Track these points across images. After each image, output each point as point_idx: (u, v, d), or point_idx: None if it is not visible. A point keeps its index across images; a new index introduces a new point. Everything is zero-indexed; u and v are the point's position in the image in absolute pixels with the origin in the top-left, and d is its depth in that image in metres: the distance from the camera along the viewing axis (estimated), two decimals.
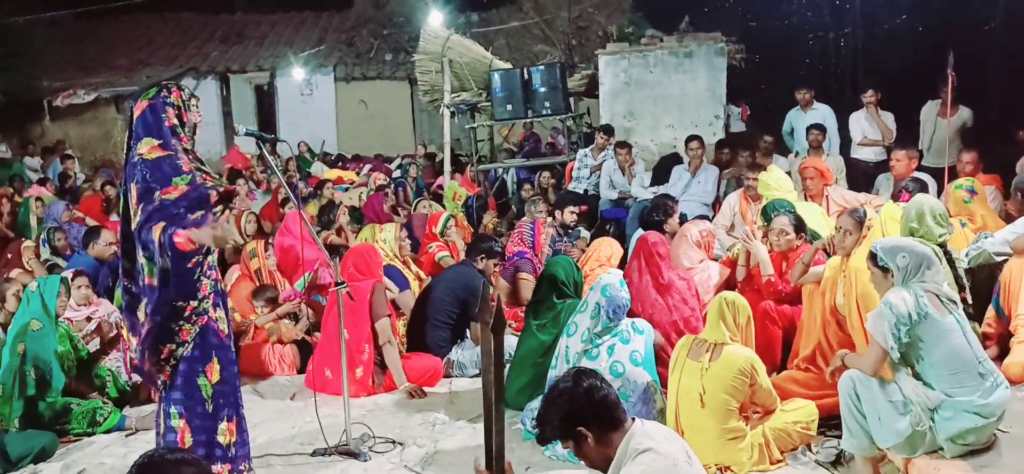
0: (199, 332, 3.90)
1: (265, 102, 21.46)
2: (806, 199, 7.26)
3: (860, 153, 9.54)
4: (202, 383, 3.94)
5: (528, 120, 12.52)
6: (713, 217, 8.10)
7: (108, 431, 5.30)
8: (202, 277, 3.89)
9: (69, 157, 15.05)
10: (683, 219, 7.37)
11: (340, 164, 17.40)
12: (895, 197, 6.33)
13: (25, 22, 17.04)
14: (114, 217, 9.91)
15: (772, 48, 15.91)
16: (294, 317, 6.88)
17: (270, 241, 7.67)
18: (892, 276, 3.91)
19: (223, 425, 4.00)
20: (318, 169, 15.85)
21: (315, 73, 20.65)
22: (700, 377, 4.20)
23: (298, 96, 20.77)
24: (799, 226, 5.79)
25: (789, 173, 7.86)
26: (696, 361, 4.26)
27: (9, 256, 8.19)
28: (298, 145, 17.02)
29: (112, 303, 6.62)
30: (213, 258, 4.00)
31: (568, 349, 4.70)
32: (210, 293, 3.93)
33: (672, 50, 11.40)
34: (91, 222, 9.91)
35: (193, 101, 4.01)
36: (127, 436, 5.26)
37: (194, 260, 3.81)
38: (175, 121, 3.92)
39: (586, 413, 2.80)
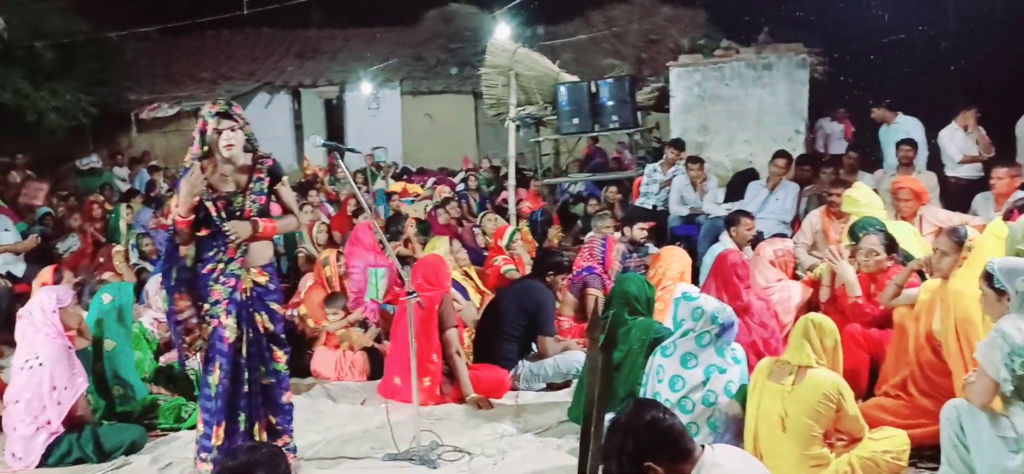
0: (211, 334, 4.29)
1: (334, 115, 21.70)
2: (897, 218, 6.85)
3: (958, 170, 9.04)
4: (210, 382, 4.31)
5: (594, 134, 12.32)
6: (792, 235, 7.79)
7: (192, 427, 5.31)
8: (214, 283, 4.26)
9: (157, 168, 15.38)
10: (759, 237, 7.15)
11: (405, 177, 17.49)
12: (1007, 216, 5.94)
13: (118, 37, 17.51)
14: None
15: (858, 59, 15.35)
16: (363, 324, 6.92)
17: (341, 251, 7.69)
18: (1008, 300, 3.62)
19: (210, 429, 4.34)
20: (383, 182, 15.97)
21: (383, 87, 20.82)
22: (782, 400, 3.96)
23: (365, 110, 20.96)
24: (890, 246, 5.45)
25: (876, 190, 7.50)
26: (778, 383, 4.02)
27: (102, 260, 8.64)
28: (366, 157, 17.15)
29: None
30: (233, 267, 4.28)
31: (661, 368, 4.46)
32: (223, 300, 4.25)
33: (749, 62, 10.98)
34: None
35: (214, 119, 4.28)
36: None
37: (209, 266, 4.26)
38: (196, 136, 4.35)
39: (654, 447, 2.65)
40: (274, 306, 4.47)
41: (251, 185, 4.35)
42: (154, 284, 6.77)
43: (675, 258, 7.01)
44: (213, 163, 4.32)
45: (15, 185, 12.42)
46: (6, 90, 14.74)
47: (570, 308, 6.98)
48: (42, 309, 4.96)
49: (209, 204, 4.27)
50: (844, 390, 3.96)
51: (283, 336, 4.54)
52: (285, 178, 4.55)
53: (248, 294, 4.35)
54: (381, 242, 8.03)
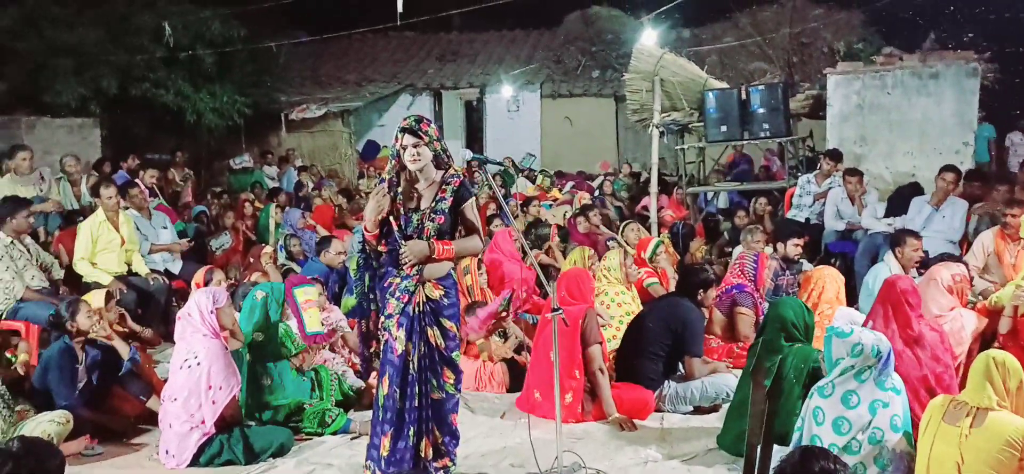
0: (384, 346, 4.42)
1: (474, 117, 21.98)
2: None
3: None
4: (380, 392, 4.43)
5: (743, 142, 11.97)
6: (960, 256, 7.31)
7: (335, 432, 5.47)
8: (390, 296, 4.37)
9: (305, 168, 15.82)
10: (925, 258, 6.73)
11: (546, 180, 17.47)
12: None
13: (276, 46, 18.37)
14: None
15: None
16: (503, 334, 6.86)
17: (481, 259, 7.70)
18: None
19: (379, 439, 4.44)
20: (522, 185, 15.96)
21: (522, 90, 20.91)
22: (958, 444, 3.65)
23: (505, 112, 21.10)
24: None
25: None
26: (953, 426, 3.71)
27: (251, 260, 8.81)
28: (504, 160, 17.24)
29: (340, 309, 6.88)
30: (408, 283, 4.35)
31: (820, 410, 4.19)
32: (396, 314, 4.35)
33: (914, 70, 10.49)
34: (322, 231, 10.45)
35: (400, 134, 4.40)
36: (351, 439, 5.39)
37: (388, 280, 4.40)
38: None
39: None
40: (447, 324, 4.47)
41: (434, 203, 4.40)
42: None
43: (829, 278, 6.76)
44: (406, 178, 4.42)
45: (173, 182, 13.07)
46: (169, 91, 15.53)
47: (719, 327, 6.80)
48: (200, 309, 5.13)
49: (392, 220, 4.39)
50: None
51: (455, 355, 4.53)
52: (473, 199, 4.57)
53: (421, 308, 4.39)
54: (522, 249, 8.06)
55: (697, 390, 5.77)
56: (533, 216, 11.14)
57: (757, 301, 6.81)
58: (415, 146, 4.28)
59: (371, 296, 4.52)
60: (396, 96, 20.93)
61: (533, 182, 16.34)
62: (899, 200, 9.10)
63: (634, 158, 18.69)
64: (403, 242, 4.35)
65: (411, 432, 4.40)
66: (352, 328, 6.35)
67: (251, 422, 5.40)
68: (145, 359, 6.11)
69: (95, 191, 8.75)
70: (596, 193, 13.84)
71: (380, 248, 4.45)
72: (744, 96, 11.25)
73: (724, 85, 12.19)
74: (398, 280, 4.38)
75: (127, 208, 8.50)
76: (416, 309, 4.38)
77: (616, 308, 6.89)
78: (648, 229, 10.94)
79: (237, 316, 5.60)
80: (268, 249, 8.66)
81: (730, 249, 9.63)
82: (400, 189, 4.41)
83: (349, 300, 7.41)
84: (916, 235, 6.78)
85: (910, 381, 4.63)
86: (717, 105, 11.26)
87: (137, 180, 9.98)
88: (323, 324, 6.23)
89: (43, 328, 6.16)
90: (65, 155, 10.76)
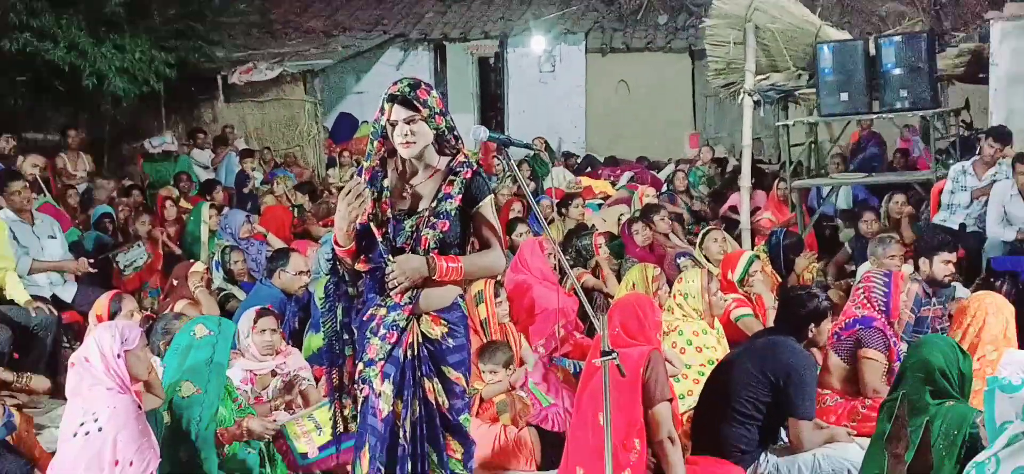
0: (362, 405, 4.35)
1: (490, 80, 22.11)
2: None
3: None
4: (358, 472, 4.35)
5: (872, 116, 11.92)
6: None
7: None
8: (371, 336, 4.30)
9: (251, 153, 15.71)
10: None
11: (590, 171, 17.40)
12: None
13: None
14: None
15: None
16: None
17: (500, 281, 7.64)
18: None
19: None
20: (559, 177, 15.93)
21: (560, 42, 20.95)
22: None
23: (535, 73, 21.20)
24: None
25: None
26: None
27: (174, 282, 8.58)
28: (535, 140, 17.15)
29: (300, 352, 6.94)
30: (397, 315, 4.28)
31: None
32: (380, 359, 4.27)
33: None
34: (276, 241, 10.45)
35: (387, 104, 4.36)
36: None
37: (369, 312, 4.33)
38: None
39: None
40: (453, 375, 4.43)
41: (435, 203, 4.35)
42: (247, 322, 6.84)
43: (993, 309, 6.74)
44: (396, 167, 4.40)
45: (65, 173, 13.06)
46: (59, 45, 15.23)
47: (837, 378, 6.78)
48: (103, 352, 4.99)
49: (375, 227, 4.31)
50: None
51: (464, 419, 4.51)
52: (491, 198, 4.52)
53: (416, 352, 4.35)
54: (559, 267, 8.05)
55: (808, 466, 5.74)
56: (575, 220, 11.11)
57: (891, 341, 6.77)
58: (409, 122, 4.21)
59: (344, 335, 4.48)
60: (381, 51, 21.09)
61: (574, 172, 16.31)
62: None
63: (717, 138, 18.66)
64: (390, 258, 4.26)
65: None
66: (319, 379, 6.40)
67: None
68: (24, 423, 5.96)
69: None
70: (665, 189, 13.79)
71: (358, 267, 4.39)
72: (873, 51, 11.19)
73: (845, 35, 12.21)
74: (383, 312, 4.31)
75: None
76: (409, 353, 4.32)
77: (694, 352, 6.90)
78: (738, 239, 10.98)
79: (157, 362, 5.61)
80: (199, 267, 8.59)
81: (853, 267, 9.64)
82: (387, 183, 4.35)
83: (314, 339, 7.43)
84: None
85: None
86: (835, 64, 11.19)
87: (16, 168, 10.06)
88: (275, 374, 6.28)
89: None
90: None
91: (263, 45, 20.25)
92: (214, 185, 13.26)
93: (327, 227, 11.33)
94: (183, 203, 12.06)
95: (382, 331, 4.28)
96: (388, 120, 4.25)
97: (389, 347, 4.26)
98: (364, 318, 4.37)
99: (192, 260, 9.30)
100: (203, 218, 10.95)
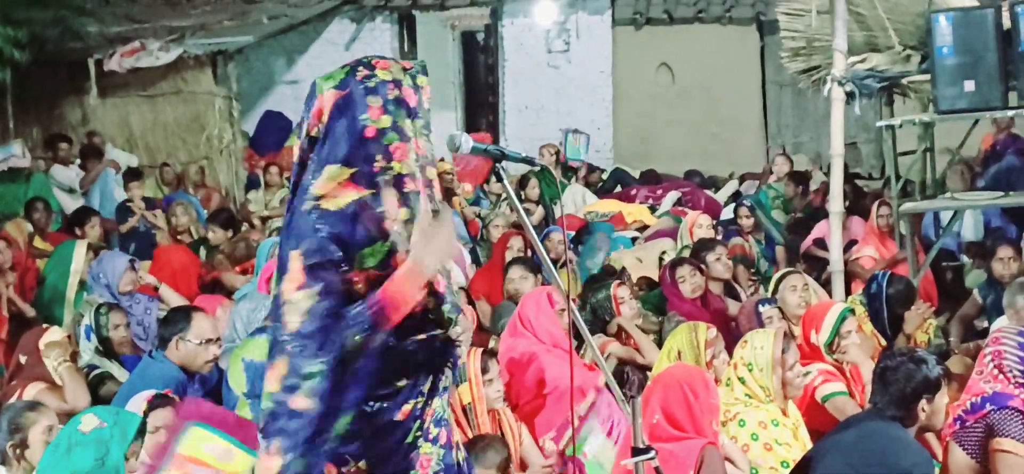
0: None
1: (479, 61, 22.05)
2: None
3: None
4: None
5: (1010, 113, 12.00)
6: None
7: None
8: (423, 440, 4.36)
9: (136, 174, 15.80)
10: None
11: (619, 191, 17.39)
12: None
13: None
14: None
15: None
16: None
17: (492, 350, 7.48)
18: None
19: None
20: (575, 196, 15.96)
21: (577, 11, 20.96)
22: None
23: (542, 54, 21.27)
24: None
25: None
26: None
27: (22, 359, 8.39)
28: (542, 149, 17.24)
29: None
30: (440, 403, 4.38)
31: None
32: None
33: None
34: (172, 296, 10.46)
35: (420, 79, 4.28)
36: None
37: (406, 408, 4.31)
38: (385, 123, 4.16)
39: None
40: None
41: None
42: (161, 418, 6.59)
43: None
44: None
45: None
46: None
47: None
48: None
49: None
50: None
51: None
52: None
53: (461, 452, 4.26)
54: (574, 329, 8.11)
55: None
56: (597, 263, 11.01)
57: None
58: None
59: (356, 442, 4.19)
60: (324, 23, 21.22)
61: (594, 189, 16.35)
62: None
63: (796, 144, 18.73)
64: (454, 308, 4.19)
65: None
66: None
67: None
68: None
69: None
70: (724, 215, 13.83)
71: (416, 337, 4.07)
72: (1009, 23, 11.29)
73: (971, 1, 12.15)
74: (421, 401, 4.23)
75: None
76: (458, 457, 4.34)
77: (761, 450, 6.90)
78: (826, 286, 10.88)
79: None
80: (58, 334, 8.39)
81: (985, 323, 9.62)
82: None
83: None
84: None
85: None
86: (957, 41, 11.14)
87: None
88: None
89: None
90: None
91: (154, 17, 19.97)
92: (85, 215, 13.07)
93: (246, 275, 11.34)
94: (38, 242, 12.05)
95: (433, 427, 4.25)
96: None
97: (442, 453, 4.28)
98: (397, 417, 4.25)
99: (49, 325, 9.07)
100: (71, 264, 10.86)
